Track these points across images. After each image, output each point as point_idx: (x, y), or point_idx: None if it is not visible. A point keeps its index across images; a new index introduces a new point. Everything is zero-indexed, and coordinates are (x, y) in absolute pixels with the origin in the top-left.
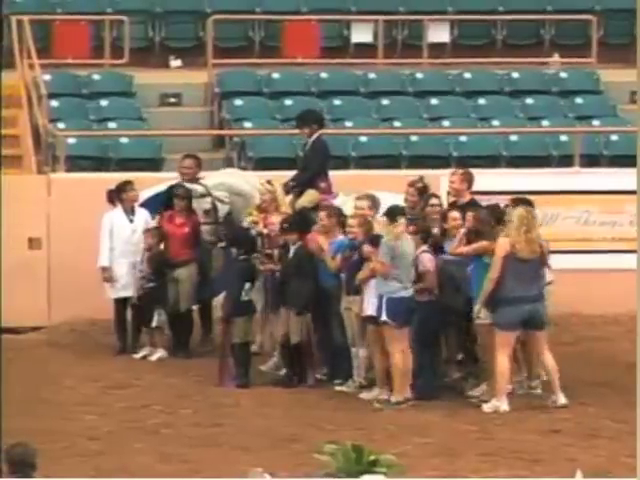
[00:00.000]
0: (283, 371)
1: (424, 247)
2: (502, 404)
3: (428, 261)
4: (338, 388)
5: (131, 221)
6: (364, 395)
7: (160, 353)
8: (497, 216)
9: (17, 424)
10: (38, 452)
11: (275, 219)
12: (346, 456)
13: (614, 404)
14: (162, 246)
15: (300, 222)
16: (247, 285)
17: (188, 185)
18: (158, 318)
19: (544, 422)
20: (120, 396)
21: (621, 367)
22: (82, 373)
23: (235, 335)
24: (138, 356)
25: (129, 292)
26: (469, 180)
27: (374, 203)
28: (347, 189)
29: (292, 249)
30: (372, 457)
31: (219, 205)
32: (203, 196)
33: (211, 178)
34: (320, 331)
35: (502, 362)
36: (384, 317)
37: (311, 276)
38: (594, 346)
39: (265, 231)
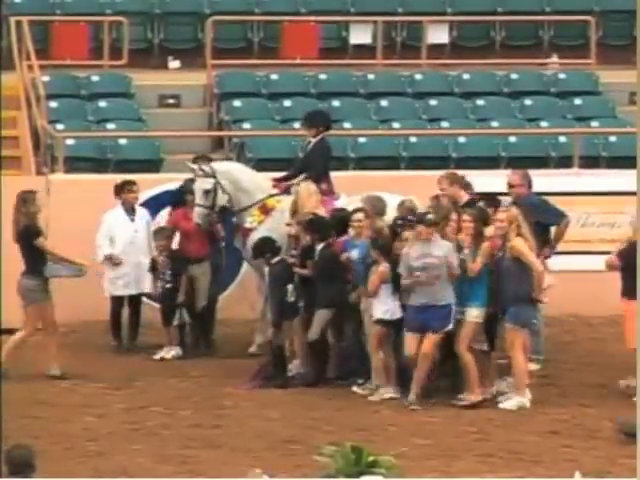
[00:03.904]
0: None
1: None
2: (526, 400)
3: None
4: (354, 389)
5: (132, 220)
6: (373, 397)
7: (175, 351)
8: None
9: (16, 425)
10: (37, 453)
11: (293, 220)
12: (345, 457)
13: (613, 405)
14: (173, 245)
15: (321, 224)
16: (290, 287)
17: (194, 165)
18: (180, 317)
19: (543, 423)
20: (119, 397)
21: (620, 368)
22: (81, 374)
23: (282, 338)
24: (157, 357)
25: (128, 291)
26: (457, 181)
27: (374, 208)
28: (346, 190)
29: (317, 250)
30: (371, 458)
31: (220, 192)
32: (207, 176)
33: (219, 164)
34: (342, 333)
35: (520, 359)
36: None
37: (337, 278)
38: (593, 347)
39: (293, 232)
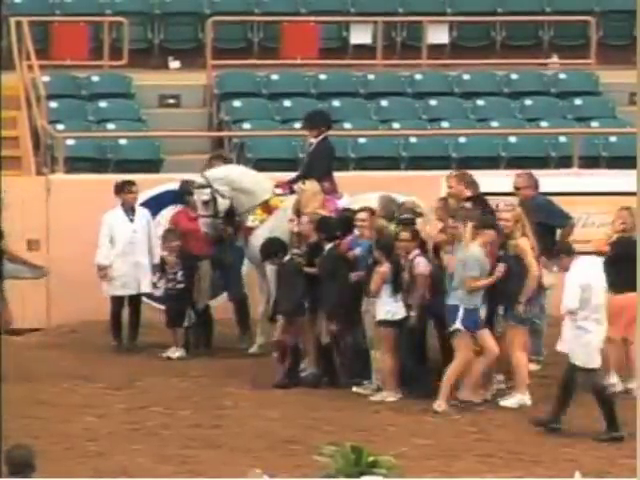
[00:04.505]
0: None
1: (417, 251)
2: (527, 397)
3: (423, 265)
4: (355, 389)
5: (131, 221)
6: (374, 397)
7: (180, 352)
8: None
9: (16, 426)
10: (38, 453)
11: (304, 219)
12: (345, 457)
13: None
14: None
15: (330, 224)
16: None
17: (188, 177)
18: (189, 318)
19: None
20: (119, 397)
21: (625, 368)
22: (81, 374)
23: (296, 336)
24: (165, 355)
25: (128, 291)
26: (466, 181)
27: (385, 209)
28: (346, 190)
29: (325, 250)
30: (371, 458)
31: (219, 199)
32: (202, 187)
33: (213, 171)
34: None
35: (522, 357)
36: None
37: (342, 279)
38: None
39: (296, 229)
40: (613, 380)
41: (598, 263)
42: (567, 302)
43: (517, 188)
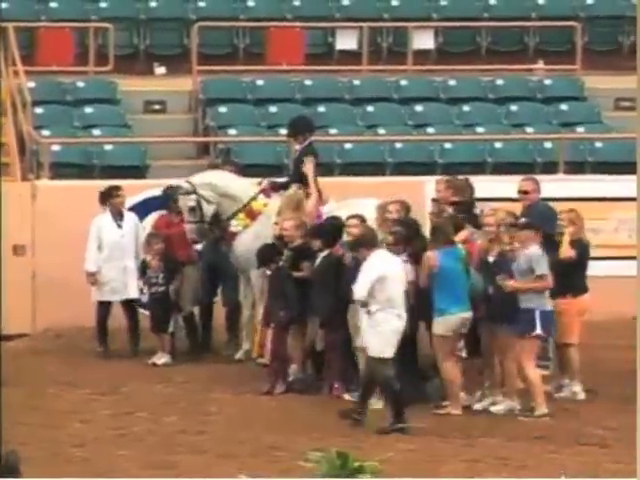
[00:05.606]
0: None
1: (403, 257)
2: (515, 403)
3: (409, 271)
4: (345, 396)
5: (119, 226)
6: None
7: (165, 358)
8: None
9: (4, 431)
10: (23, 459)
11: (288, 224)
12: (331, 463)
13: (600, 411)
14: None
15: (329, 230)
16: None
17: (174, 183)
18: (175, 323)
19: (529, 428)
20: (105, 403)
21: (606, 374)
22: (67, 380)
23: (286, 342)
24: (150, 361)
25: (117, 296)
26: (454, 187)
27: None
28: (332, 196)
29: (319, 257)
30: (357, 464)
31: (204, 204)
32: (188, 193)
33: (198, 177)
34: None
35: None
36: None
37: (335, 286)
38: (581, 353)
39: (276, 233)
40: (576, 388)
41: (394, 257)
42: (357, 291)
43: (525, 192)
